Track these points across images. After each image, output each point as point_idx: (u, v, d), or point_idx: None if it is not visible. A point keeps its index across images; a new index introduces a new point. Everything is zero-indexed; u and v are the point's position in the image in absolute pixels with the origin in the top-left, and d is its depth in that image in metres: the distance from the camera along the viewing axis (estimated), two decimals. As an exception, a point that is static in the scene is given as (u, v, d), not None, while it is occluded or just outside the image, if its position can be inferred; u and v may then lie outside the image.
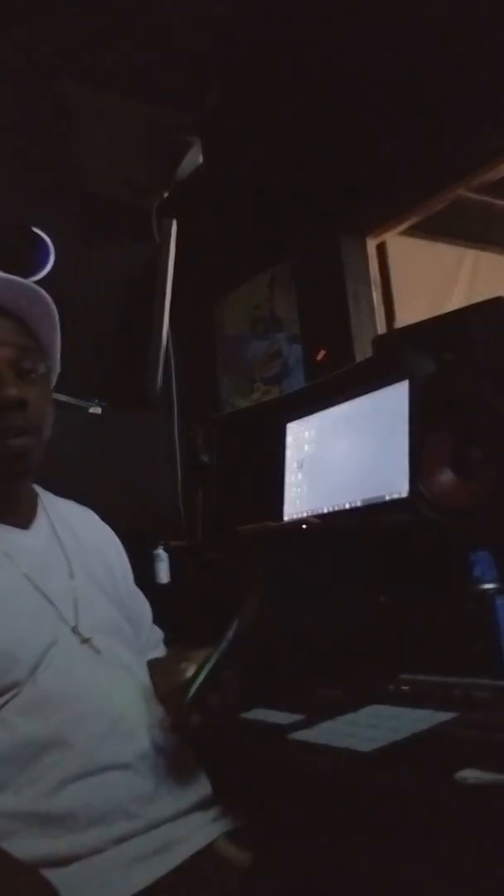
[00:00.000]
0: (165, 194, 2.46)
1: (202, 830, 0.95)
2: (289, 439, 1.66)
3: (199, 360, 2.73)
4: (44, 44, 1.94)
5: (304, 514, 1.56)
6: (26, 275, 2.05)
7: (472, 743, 0.85)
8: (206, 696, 0.94)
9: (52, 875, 0.84)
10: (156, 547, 1.83)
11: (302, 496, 1.59)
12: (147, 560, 1.67)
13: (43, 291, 1.02)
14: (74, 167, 2.28)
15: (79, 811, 0.87)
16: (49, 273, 2.17)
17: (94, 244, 2.34)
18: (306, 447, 1.61)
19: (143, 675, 1.05)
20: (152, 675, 1.08)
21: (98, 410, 1.60)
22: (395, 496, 1.35)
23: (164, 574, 1.82)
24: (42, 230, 2.18)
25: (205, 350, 2.80)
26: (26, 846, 0.84)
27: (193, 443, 2.10)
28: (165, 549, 1.86)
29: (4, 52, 1.93)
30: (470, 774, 0.75)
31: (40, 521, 1.08)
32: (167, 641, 1.25)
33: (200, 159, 2.46)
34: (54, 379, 1.09)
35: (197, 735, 0.97)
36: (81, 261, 2.19)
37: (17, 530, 1.04)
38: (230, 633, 0.94)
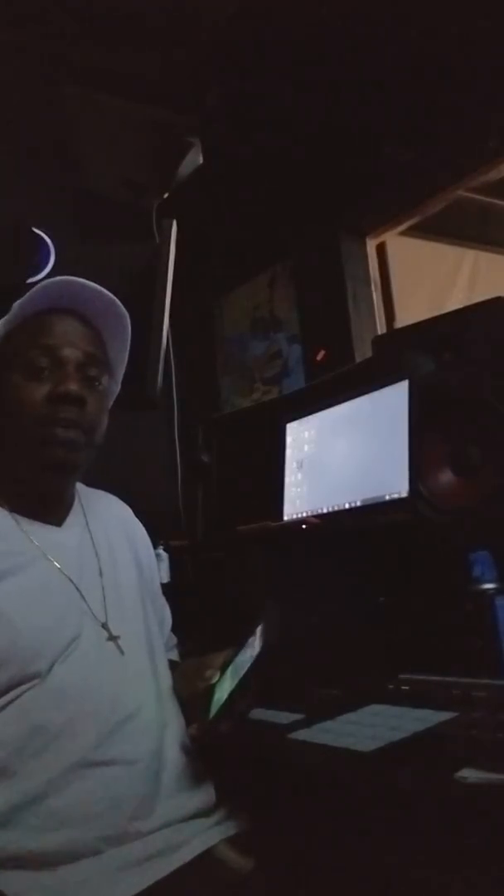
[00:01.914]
0: (165, 194, 2.46)
1: (202, 836, 0.95)
2: (288, 439, 1.66)
3: (199, 360, 2.73)
4: (44, 45, 1.94)
5: (304, 514, 1.56)
6: (26, 275, 2.06)
7: (472, 743, 0.85)
8: (235, 704, 0.94)
9: (43, 876, 0.84)
10: (156, 547, 1.83)
11: (302, 496, 1.59)
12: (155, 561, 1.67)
13: (125, 312, 1.05)
14: (75, 167, 2.28)
15: (81, 803, 0.87)
16: (49, 273, 2.17)
17: (94, 244, 2.34)
18: (306, 447, 1.61)
19: (164, 678, 1.05)
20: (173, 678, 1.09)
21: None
22: (395, 496, 1.35)
23: (164, 574, 1.82)
24: (42, 230, 2.18)
25: (205, 350, 2.80)
26: (24, 838, 0.85)
27: (193, 443, 2.10)
28: (165, 549, 1.86)
29: (5, 53, 1.93)
30: (469, 774, 0.75)
31: (75, 518, 1.10)
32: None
33: (200, 159, 2.46)
34: (112, 398, 1.11)
35: (219, 741, 0.97)
36: (81, 261, 2.19)
37: (52, 528, 1.05)
38: (256, 641, 0.94)
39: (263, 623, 0.96)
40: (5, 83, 2.00)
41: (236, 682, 0.93)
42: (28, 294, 1.00)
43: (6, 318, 1.02)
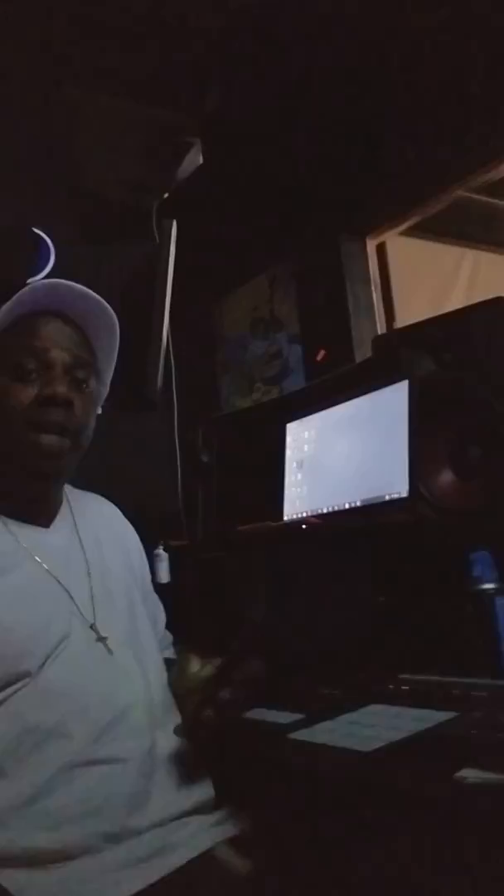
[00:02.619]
0: (165, 194, 2.46)
1: (202, 835, 0.95)
2: (289, 439, 1.66)
3: (199, 360, 2.73)
4: (45, 45, 1.94)
5: (304, 514, 1.56)
6: (26, 275, 2.06)
7: (472, 743, 0.85)
8: (218, 693, 0.95)
9: (41, 875, 0.84)
10: (156, 547, 1.83)
11: (302, 496, 1.59)
12: (147, 560, 1.68)
13: (115, 318, 1.06)
14: (75, 167, 2.28)
15: (75, 802, 0.88)
16: (49, 273, 2.17)
17: (94, 244, 2.34)
18: (306, 447, 1.61)
19: (155, 677, 1.06)
20: (169, 675, 1.09)
21: (98, 411, 1.61)
22: (395, 496, 1.35)
23: (164, 574, 1.82)
24: (42, 230, 2.18)
25: (205, 350, 2.80)
26: (19, 837, 0.85)
27: (193, 443, 2.10)
28: (165, 549, 1.86)
29: (5, 54, 1.93)
30: (469, 774, 0.75)
31: (63, 520, 1.10)
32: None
33: (200, 159, 2.46)
34: (99, 402, 1.11)
35: (207, 735, 0.98)
36: (81, 261, 2.20)
37: (40, 529, 1.06)
38: (241, 634, 0.95)
39: (247, 618, 0.96)
40: (5, 83, 2.00)
41: (220, 667, 0.94)
42: (15, 297, 1.00)
43: None
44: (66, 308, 1.04)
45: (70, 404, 1.01)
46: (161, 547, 1.85)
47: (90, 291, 1.03)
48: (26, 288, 1.00)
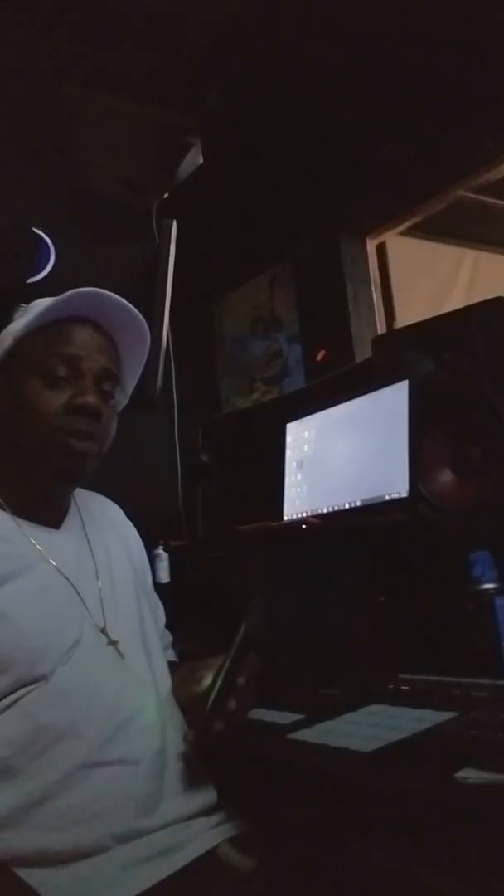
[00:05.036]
0: (165, 194, 2.46)
1: (205, 835, 0.95)
2: (289, 439, 1.66)
3: (199, 360, 2.73)
4: (45, 45, 1.94)
5: (304, 514, 1.56)
6: (26, 275, 2.06)
7: (472, 743, 0.85)
8: (224, 702, 0.94)
9: (53, 874, 0.84)
10: (156, 547, 1.83)
11: (302, 496, 1.59)
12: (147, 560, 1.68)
13: (148, 334, 1.06)
14: (75, 167, 2.28)
15: (85, 802, 0.88)
16: (49, 273, 2.17)
17: (94, 244, 2.34)
18: (306, 447, 1.61)
19: (163, 679, 1.06)
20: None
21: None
22: (395, 496, 1.35)
23: (164, 574, 1.83)
24: (42, 230, 2.18)
25: (205, 350, 2.80)
26: (31, 837, 0.85)
27: (193, 443, 2.11)
28: (165, 549, 1.86)
29: (5, 54, 1.93)
30: (470, 774, 0.75)
31: (72, 520, 1.10)
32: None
33: (200, 159, 2.45)
34: (119, 408, 1.11)
35: (217, 742, 0.97)
36: (81, 261, 2.19)
37: (51, 530, 1.06)
38: (238, 637, 0.95)
39: (246, 620, 0.96)
40: (6, 83, 2.00)
41: (219, 682, 0.94)
42: (57, 300, 1.00)
43: (27, 321, 1.02)
44: (101, 317, 1.04)
45: (99, 414, 1.01)
46: (161, 547, 1.85)
47: (129, 305, 1.03)
48: (70, 293, 1.00)
